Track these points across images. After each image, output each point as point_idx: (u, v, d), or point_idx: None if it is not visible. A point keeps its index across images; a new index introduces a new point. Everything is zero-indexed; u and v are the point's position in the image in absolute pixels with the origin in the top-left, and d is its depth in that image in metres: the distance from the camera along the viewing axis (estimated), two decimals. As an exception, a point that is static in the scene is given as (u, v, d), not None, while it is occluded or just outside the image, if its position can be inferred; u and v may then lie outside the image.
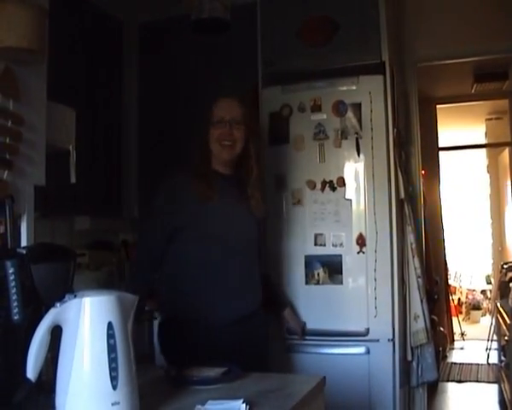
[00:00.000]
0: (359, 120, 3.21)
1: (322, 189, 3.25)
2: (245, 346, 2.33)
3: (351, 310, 3.18)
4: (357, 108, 3.23)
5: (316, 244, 3.25)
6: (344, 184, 3.23)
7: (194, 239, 2.37)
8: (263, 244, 2.67)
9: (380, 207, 3.17)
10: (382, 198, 3.18)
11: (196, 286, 2.36)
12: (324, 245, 3.23)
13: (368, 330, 3.11)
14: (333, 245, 3.21)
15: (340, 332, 3.15)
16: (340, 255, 3.20)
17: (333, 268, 3.20)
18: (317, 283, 3.22)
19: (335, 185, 3.24)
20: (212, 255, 2.37)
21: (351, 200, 3.22)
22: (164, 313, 2.56)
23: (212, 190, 2.37)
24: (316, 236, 3.25)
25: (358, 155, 3.21)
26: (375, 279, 3.13)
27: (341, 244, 3.20)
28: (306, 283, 3.23)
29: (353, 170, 3.23)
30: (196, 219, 2.37)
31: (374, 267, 3.14)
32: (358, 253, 3.17)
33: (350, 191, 3.22)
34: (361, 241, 3.16)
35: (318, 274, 3.22)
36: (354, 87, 3.25)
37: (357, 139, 3.21)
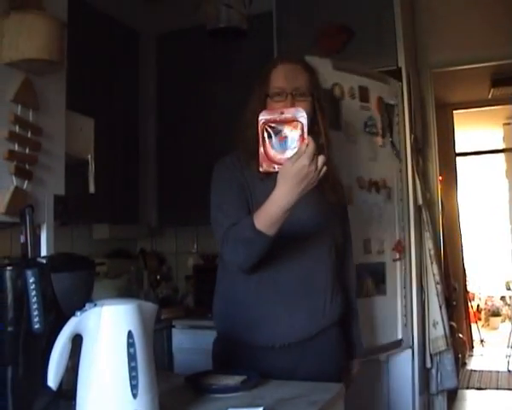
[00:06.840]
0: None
1: (370, 189, 2.99)
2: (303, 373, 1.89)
3: (389, 321, 3.03)
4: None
5: (365, 252, 2.90)
6: (385, 186, 3.11)
7: None
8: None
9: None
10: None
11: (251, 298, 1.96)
12: (370, 252, 2.94)
13: (401, 341, 3.03)
14: (378, 252, 2.98)
15: (381, 347, 2.94)
16: (384, 263, 3.03)
17: (378, 278, 2.97)
18: (366, 295, 2.88)
19: (380, 187, 3.06)
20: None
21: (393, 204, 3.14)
22: (218, 330, 2.12)
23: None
24: (365, 242, 2.91)
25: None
26: (404, 287, 3.08)
27: (383, 251, 3.02)
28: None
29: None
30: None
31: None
32: (395, 260, 3.07)
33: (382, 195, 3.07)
34: (400, 247, 3.06)
35: (367, 285, 2.89)
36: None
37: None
